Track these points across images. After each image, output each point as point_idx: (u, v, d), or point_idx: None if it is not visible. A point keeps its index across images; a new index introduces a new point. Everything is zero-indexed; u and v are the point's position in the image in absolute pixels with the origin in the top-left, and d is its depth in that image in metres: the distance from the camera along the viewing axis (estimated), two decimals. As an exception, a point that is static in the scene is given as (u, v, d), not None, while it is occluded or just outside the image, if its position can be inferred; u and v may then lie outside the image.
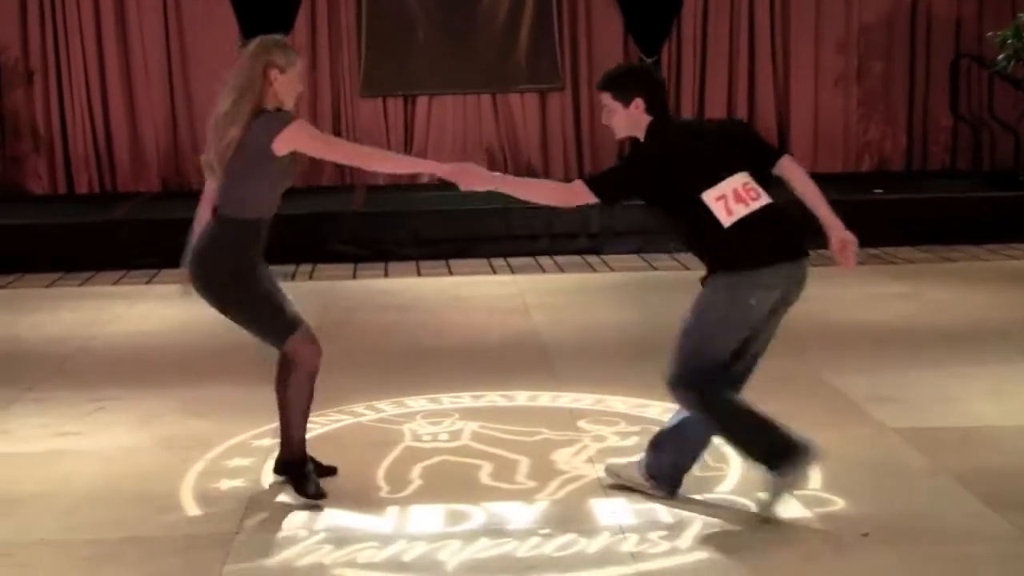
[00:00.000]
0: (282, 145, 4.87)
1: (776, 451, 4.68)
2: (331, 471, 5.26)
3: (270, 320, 5.03)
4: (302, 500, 5.00)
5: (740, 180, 4.69)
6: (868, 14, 13.47)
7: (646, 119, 4.78)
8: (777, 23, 13.43)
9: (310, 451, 5.19)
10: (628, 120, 4.80)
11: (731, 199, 4.65)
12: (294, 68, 5.00)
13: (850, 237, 4.96)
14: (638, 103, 4.77)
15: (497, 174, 5.14)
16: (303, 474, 5.07)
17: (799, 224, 4.85)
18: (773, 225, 4.73)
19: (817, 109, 13.51)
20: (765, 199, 4.72)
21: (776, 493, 4.70)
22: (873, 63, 13.58)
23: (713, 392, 4.74)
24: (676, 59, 13.43)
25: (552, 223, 10.96)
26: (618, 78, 4.89)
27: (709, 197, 4.64)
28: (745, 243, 4.65)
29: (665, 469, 4.92)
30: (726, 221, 4.63)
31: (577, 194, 4.83)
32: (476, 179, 4.95)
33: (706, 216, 4.64)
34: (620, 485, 5.02)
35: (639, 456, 5.02)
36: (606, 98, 4.83)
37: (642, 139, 4.82)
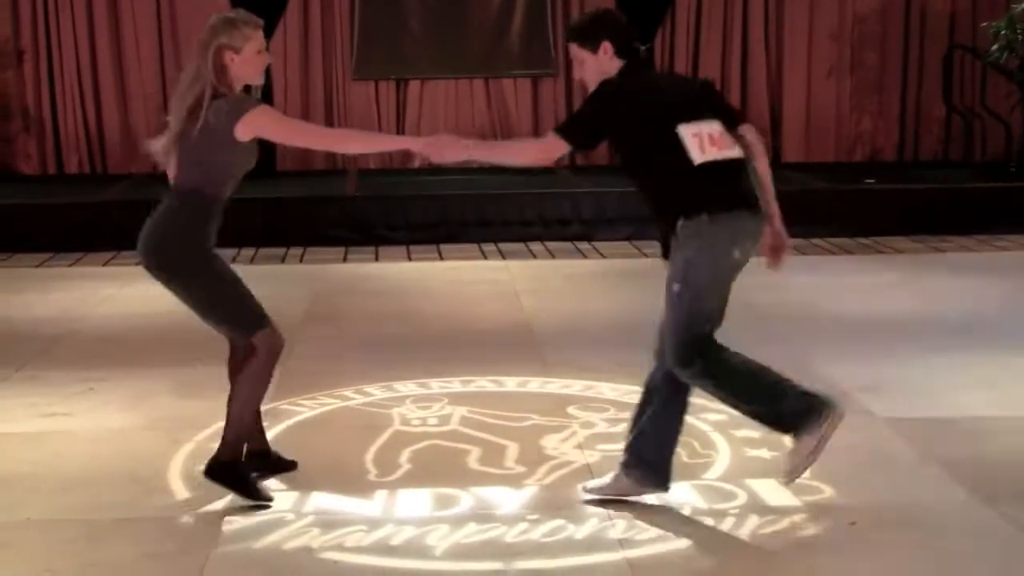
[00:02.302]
0: (245, 130, 4.67)
1: (792, 414, 4.48)
2: (291, 465, 5.12)
3: (239, 306, 4.84)
4: (288, 483, 4.99)
5: (716, 127, 4.57)
6: (862, 5, 13.48)
7: (617, 63, 4.64)
8: (771, 13, 13.43)
9: (299, 435, 5.18)
10: (598, 67, 4.64)
11: (706, 140, 4.52)
12: (251, 44, 4.72)
13: (785, 236, 4.73)
14: (606, 47, 4.62)
15: (470, 141, 4.96)
16: (241, 476, 4.83)
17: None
18: (743, 178, 4.60)
19: (810, 99, 13.52)
20: (738, 152, 4.61)
21: (797, 461, 4.50)
22: (867, 54, 13.58)
23: (717, 352, 4.57)
24: (670, 47, 13.43)
25: (544, 209, 10.96)
26: (583, 26, 4.75)
27: (686, 131, 4.49)
28: (716, 184, 4.50)
29: (651, 466, 4.75)
30: (698, 158, 4.48)
31: (553, 146, 4.67)
32: (448, 150, 4.75)
33: (679, 153, 4.48)
34: (607, 500, 4.77)
35: (614, 473, 4.82)
36: (574, 49, 4.69)
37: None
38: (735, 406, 4.67)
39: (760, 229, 4.63)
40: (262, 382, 4.86)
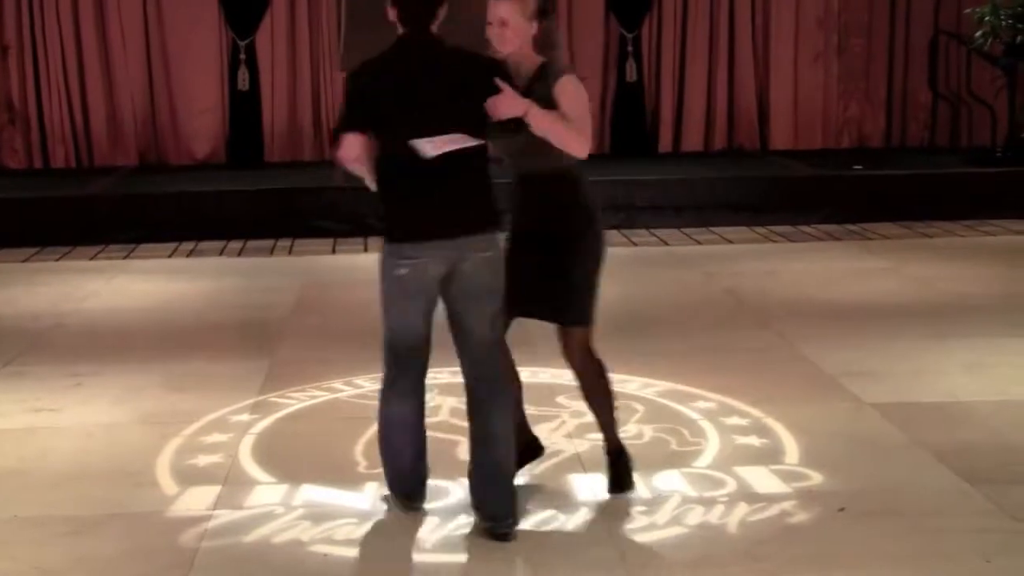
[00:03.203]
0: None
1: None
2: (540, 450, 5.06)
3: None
4: (277, 476, 4.99)
5: None
6: (848, -9, 13.48)
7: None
8: (757, -1, 13.42)
9: (288, 428, 5.17)
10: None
11: None
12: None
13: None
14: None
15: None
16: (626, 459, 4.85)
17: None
18: None
19: (797, 85, 13.51)
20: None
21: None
22: (853, 40, 13.58)
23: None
24: (656, 35, 13.41)
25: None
26: None
27: None
28: None
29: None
30: None
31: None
32: (505, 103, 4.33)
33: None
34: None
35: None
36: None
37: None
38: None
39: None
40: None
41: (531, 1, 4.55)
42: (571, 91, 4.50)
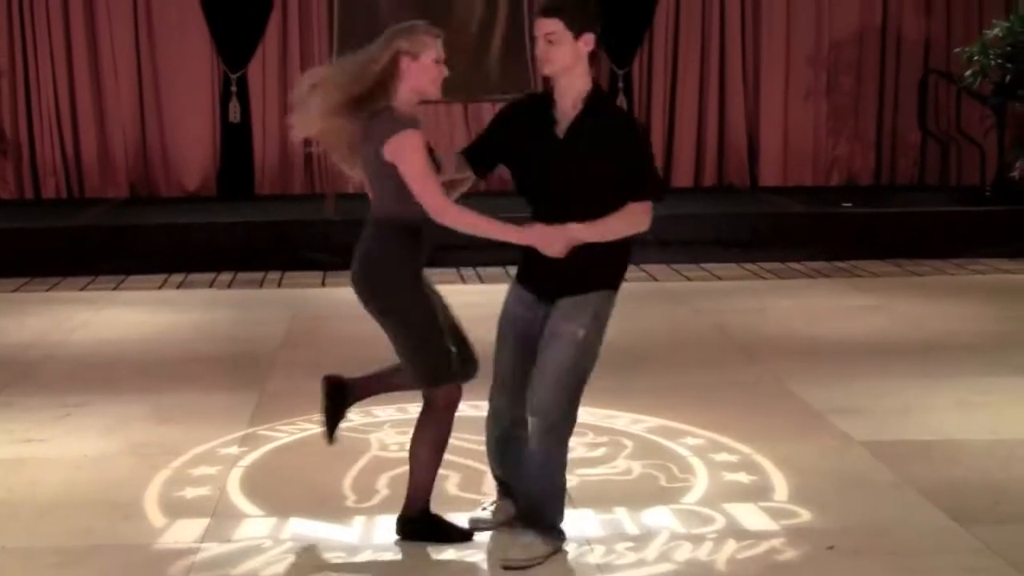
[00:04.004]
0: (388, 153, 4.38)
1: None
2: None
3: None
4: (265, 509, 4.98)
5: None
6: (838, 30, 13.56)
7: (587, 65, 4.35)
8: (748, 37, 13.49)
9: (277, 461, 5.16)
10: (575, 56, 4.31)
11: None
12: (430, 52, 4.42)
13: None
14: (588, 39, 4.32)
15: (574, 227, 4.36)
16: (433, 523, 4.67)
17: None
18: None
19: (787, 123, 13.58)
20: None
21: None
22: (843, 78, 13.66)
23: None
24: (647, 71, 13.48)
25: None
26: (575, 3, 4.31)
27: None
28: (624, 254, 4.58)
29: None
30: None
31: (650, 209, 4.45)
32: (557, 242, 4.35)
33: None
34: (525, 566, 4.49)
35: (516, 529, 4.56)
36: (553, 25, 4.27)
37: (588, 91, 4.38)
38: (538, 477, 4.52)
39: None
40: (444, 438, 4.64)
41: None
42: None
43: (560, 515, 4.56)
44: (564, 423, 4.46)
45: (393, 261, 4.53)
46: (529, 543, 4.43)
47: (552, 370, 4.39)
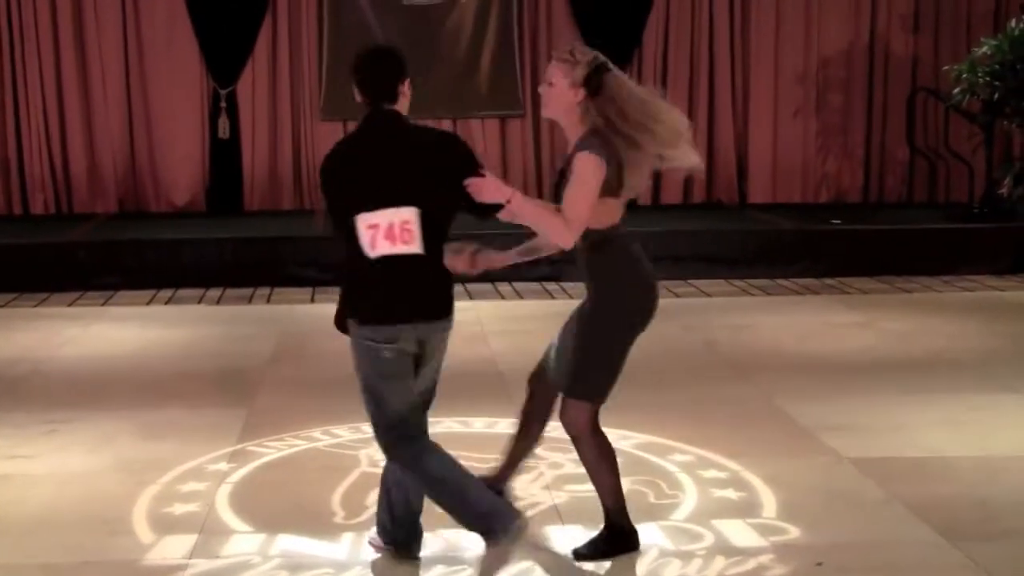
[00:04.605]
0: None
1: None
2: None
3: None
4: (254, 525, 4.96)
5: (406, 214, 4.36)
6: (827, 48, 13.60)
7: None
8: (737, 55, 13.52)
9: (265, 477, 5.15)
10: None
11: (381, 233, 4.40)
12: None
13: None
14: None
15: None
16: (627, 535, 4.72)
17: None
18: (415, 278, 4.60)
19: (776, 140, 13.61)
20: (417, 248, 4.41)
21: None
22: (832, 96, 13.70)
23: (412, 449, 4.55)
24: (636, 88, 13.49)
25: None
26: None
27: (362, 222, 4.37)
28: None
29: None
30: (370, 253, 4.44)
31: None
32: (488, 188, 4.34)
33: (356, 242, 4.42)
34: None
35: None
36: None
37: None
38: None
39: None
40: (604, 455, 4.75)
41: (580, 68, 4.49)
42: (578, 170, 4.42)
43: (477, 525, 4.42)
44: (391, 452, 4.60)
45: None
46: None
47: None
